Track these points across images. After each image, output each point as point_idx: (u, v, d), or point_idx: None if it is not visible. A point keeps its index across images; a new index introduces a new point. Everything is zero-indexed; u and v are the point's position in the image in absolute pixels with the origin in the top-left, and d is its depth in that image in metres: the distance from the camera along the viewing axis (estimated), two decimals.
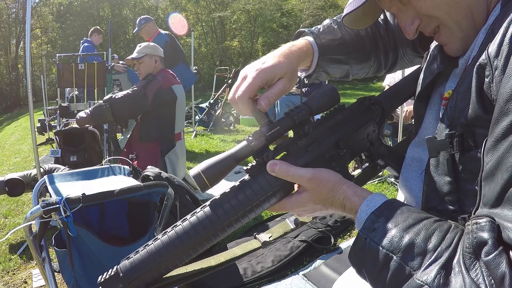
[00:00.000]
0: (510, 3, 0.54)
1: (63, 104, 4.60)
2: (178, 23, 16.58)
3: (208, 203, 0.59)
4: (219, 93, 6.86)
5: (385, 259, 0.49)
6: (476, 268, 0.42)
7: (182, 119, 3.12)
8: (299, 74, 0.79)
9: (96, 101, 4.55)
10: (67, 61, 9.54)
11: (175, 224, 0.59)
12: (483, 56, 0.51)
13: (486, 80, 0.50)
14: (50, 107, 6.35)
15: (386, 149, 0.73)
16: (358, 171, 0.76)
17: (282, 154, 0.63)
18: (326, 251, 2.26)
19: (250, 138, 0.59)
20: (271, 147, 0.62)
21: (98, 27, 6.63)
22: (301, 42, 0.75)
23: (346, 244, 2.33)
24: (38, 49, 17.97)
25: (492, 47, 0.50)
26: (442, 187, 0.59)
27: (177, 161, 2.99)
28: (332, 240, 2.34)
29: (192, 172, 0.57)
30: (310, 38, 0.76)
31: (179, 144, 3.05)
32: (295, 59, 0.69)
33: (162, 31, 4.77)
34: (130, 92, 2.79)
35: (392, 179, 3.45)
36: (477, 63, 0.52)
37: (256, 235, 0.81)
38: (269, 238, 0.79)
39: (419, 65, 0.78)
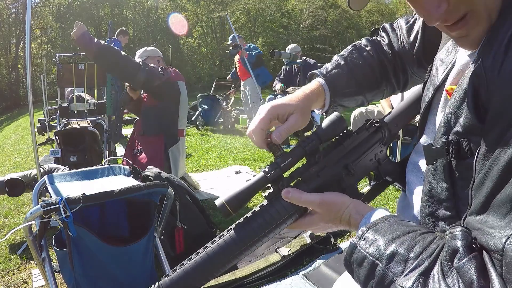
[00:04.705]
0: (507, 11, 0.52)
1: (63, 104, 4.60)
2: (178, 23, 16.61)
3: (232, 226, 0.67)
4: (228, 93, 7.13)
5: (372, 266, 0.52)
6: (453, 275, 0.44)
7: (185, 116, 3.15)
8: (317, 111, 0.86)
9: (96, 101, 4.57)
10: (67, 61, 9.55)
11: (205, 246, 0.67)
12: (478, 66, 0.52)
13: (481, 90, 0.51)
14: (50, 107, 6.38)
15: (393, 166, 0.78)
16: (367, 188, 0.80)
17: (296, 180, 0.70)
18: (326, 251, 2.25)
19: (266, 169, 0.66)
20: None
21: (124, 28, 6.64)
22: (313, 84, 0.81)
23: (346, 244, 2.33)
24: (38, 49, 17.97)
25: (487, 59, 0.50)
26: (439, 193, 0.60)
27: (179, 157, 3.00)
28: (332, 240, 2.33)
29: (218, 202, 0.66)
30: (320, 80, 0.82)
31: (181, 141, 3.07)
32: (307, 100, 0.76)
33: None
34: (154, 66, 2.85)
35: None
36: (473, 72, 0.53)
37: (277, 249, 0.87)
38: (288, 252, 0.86)
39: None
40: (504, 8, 0.53)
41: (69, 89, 5.73)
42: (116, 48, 2.73)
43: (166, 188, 1.57)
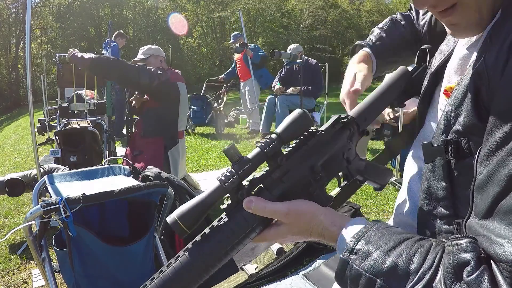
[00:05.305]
0: (508, 9, 0.53)
1: (63, 104, 4.60)
2: (178, 23, 16.60)
3: (189, 245, 0.60)
4: (221, 91, 6.89)
5: (369, 283, 0.49)
6: None
7: (184, 117, 3.15)
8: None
9: (96, 100, 4.57)
10: (67, 61, 9.53)
11: (161, 270, 0.60)
12: (480, 65, 0.51)
13: (482, 89, 0.51)
14: (50, 107, 6.37)
15: (363, 164, 0.73)
16: (337, 190, 0.74)
17: (257, 187, 0.62)
18: (326, 251, 2.25)
19: (222, 178, 0.58)
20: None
21: (122, 31, 6.71)
22: (361, 54, 0.92)
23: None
24: (38, 49, 17.98)
25: (489, 57, 0.50)
26: (437, 192, 0.59)
27: (179, 159, 3.00)
28: None
29: (169, 219, 0.58)
30: (367, 50, 0.93)
31: (181, 142, 3.07)
32: (368, 64, 0.89)
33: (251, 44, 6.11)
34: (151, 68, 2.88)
35: (392, 179, 3.45)
36: (474, 70, 0.52)
37: (243, 267, 0.81)
38: (255, 269, 0.80)
39: (392, 73, 0.83)
40: (505, 6, 0.53)
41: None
42: (107, 56, 2.76)
43: (166, 188, 1.57)
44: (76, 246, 1.37)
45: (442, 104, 0.65)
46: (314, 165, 0.64)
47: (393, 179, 3.46)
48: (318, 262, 2.13)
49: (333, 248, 0.58)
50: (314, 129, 0.66)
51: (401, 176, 0.85)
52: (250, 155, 0.60)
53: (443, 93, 0.65)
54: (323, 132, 0.67)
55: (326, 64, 7.02)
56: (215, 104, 6.65)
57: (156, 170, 2.09)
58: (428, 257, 0.48)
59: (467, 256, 0.43)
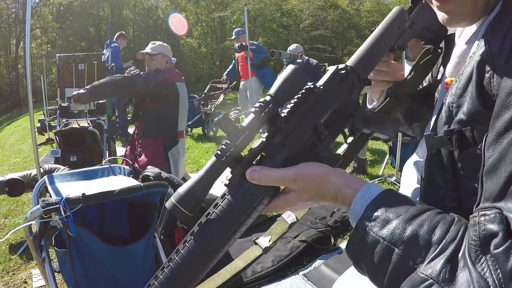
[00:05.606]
0: (510, 1, 0.54)
1: (63, 104, 4.60)
2: (178, 23, 16.60)
3: (195, 228, 0.56)
4: (217, 92, 6.81)
5: (386, 251, 0.47)
6: (483, 262, 0.41)
7: (184, 117, 3.15)
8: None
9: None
10: (67, 61, 9.56)
11: (170, 258, 0.57)
12: (484, 53, 0.52)
13: (487, 75, 0.51)
14: (50, 107, 6.38)
15: (369, 115, 0.67)
16: (344, 146, 0.68)
17: (259, 156, 0.58)
18: (326, 251, 2.26)
19: (219, 152, 0.54)
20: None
21: (123, 32, 6.75)
22: None
23: (346, 244, 2.33)
24: (38, 49, 17.96)
25: (494, 44, 0.51)
26: (441, 184, 0.58)
27: (179, 158, 3.01)
28: (332, 240, 2.34)
29: (168, 204, 0.54)
30: None
31: (181, 142, 3.08)
32: None
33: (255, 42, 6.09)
34: (141, 73, 2.95)
35: (392, 179, 3.45)
36: (478, 59, 0.53)
37: (256, 240, 0.79)
38: (269, 241, 0.77)
39: (388, 15, 0.75)
40: None
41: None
42: (98, 82, 2.87)
43: (166, 188, 1.57)
44: (76, 246, 1.37)
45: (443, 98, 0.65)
46: (316, 124, 0.59)
47: (393, 179, 3.47)
48: (318, 262, 2.13)
49: (333, 248, 0.57)
50: (312, 84, 0.61)
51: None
52: (245, 123, 0.55)
53: (445, 84, 0.65)
54: (321, 87, 0.61)
55: (326, 64, 7.03)
56: (208, 106, 6.43)
57: (156, 170, 2.09)
58: (452, 228, 0.45)
59: (494, 227, 0.41)
